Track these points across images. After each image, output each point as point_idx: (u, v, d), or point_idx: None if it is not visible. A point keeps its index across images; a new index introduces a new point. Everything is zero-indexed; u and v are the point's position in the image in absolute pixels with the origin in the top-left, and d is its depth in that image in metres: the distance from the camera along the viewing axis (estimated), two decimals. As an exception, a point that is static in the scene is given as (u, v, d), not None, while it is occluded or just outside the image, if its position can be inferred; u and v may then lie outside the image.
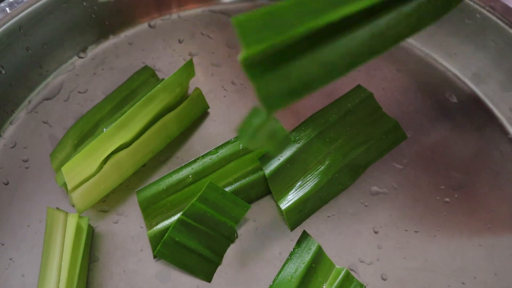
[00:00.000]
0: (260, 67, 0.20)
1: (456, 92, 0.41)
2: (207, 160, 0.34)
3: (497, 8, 0.38)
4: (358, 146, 0.36)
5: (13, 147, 0.36)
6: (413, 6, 0.24)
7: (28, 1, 0.36)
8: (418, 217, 0.34)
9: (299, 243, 0.32)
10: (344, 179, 0.35)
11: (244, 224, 0.33)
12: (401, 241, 0.33)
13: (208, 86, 0.40)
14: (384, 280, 0.31)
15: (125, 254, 0.32)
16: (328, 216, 0.34)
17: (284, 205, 0.33)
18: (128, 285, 0.31)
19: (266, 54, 0.19)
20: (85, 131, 0.36)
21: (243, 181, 0.34)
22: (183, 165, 0.34)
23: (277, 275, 0.31)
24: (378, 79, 0.41)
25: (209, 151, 0.35)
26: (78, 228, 0.30)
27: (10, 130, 0.37)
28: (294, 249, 0.32)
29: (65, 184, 0.32)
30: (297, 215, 0.33)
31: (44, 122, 0.38)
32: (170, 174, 0.34)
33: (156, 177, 0.35)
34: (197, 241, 0.31)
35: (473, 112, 0.40)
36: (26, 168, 0.35)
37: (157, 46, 0.43)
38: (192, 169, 0.34)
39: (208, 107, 0.39)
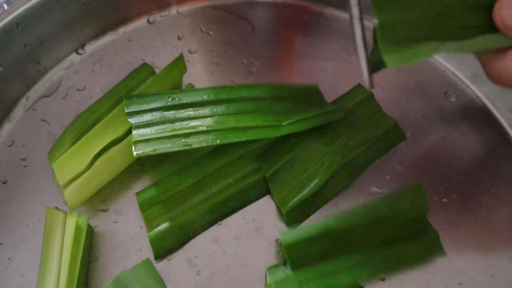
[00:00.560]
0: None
1: (455, 92, 0.41)
2: (207, 160, 0.34)
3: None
4: (357, 146, 0.36)
5: (11, 145, 0.36)
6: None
7: (26, -3, 0.35)
8: (416, 218, 0.34)
9: None
10: (343, 179, 0.35)
11: (244, 225, 0.33)
12: (399, 242, 0.33)
13: (208, 84, 0.40)
14: (382, 280, 0.31)
15: (124, 254, 0.32)
16: (327, 217, 0.34)
17: (284, 205, 0.33)
18: (127, 285, 0.31)
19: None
20: (83, 129, 0.36)
21: (243, 181, 0.34)
22: (182, 165, 0.34)
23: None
24: (378, 78, 0.41)
25: (206, 145, 0.35)
26: (78, 228, 0.30)
27: (8, 128, 0.37)
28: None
29: (62, 182, 0.32)
30: (296, 215, 0.33)
31: (42, 120, 0.38)
32: (169, 175, 0.34)
33: (155, 176, 0.35)
34: None
35: (472, 113, 0.40)
36: (25, 166, 0.35)
37: (156, 43, 0.43)
38: (191, 169, 0.34)
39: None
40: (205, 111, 0.33)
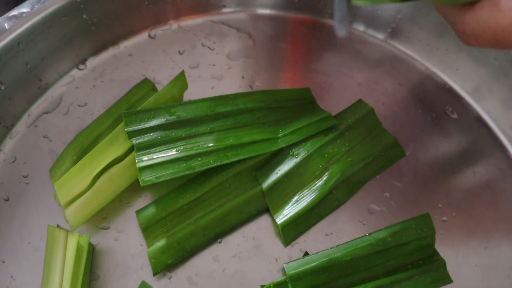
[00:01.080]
0: None
1: (456, 108, 0.41)
2: (205, 177, 0.34)
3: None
4: (356, 162, 0.36)
5: (13, 162, 0.36)
6: None
7: (27, 16, 0.36)
8: (416, 237, 0.34)
9: None
10: (340, 196, 0.35)
11: (244, 243, 0.33)
12: (398, 261, 0.33)
13: (208, 99, 0.40)
14: (381, 300, 0.31)
15: (125, 272, 0.32)
16: (327, 235, 0.34)
17: (280, 219, 0.33)
18: (128, 304, 0.31)
19: None
20: (84, 146, 0.36)
21: (242, 196, 0.34)
22: (181, 183, 0.34)
23: None
24: (379, 93, 0.41)
25: (208, 167, 0.35)
26: (79, 247, 0.30)
27: (10, 144, 0.37)
28: None
29: (64, 202, 0.32)
30: (293, 230, 0.34)
31: (44, 137, 0.38)
32: (168, 193, 0.34)
33: (155, 192, 0.35)
34: None
35: (473, 129, 0.40)
36: (26, 184, 0.35)
37: (157, 58, 0.43)
38: (190, 186, 0.34)
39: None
40: (204, 128, 0.34)
